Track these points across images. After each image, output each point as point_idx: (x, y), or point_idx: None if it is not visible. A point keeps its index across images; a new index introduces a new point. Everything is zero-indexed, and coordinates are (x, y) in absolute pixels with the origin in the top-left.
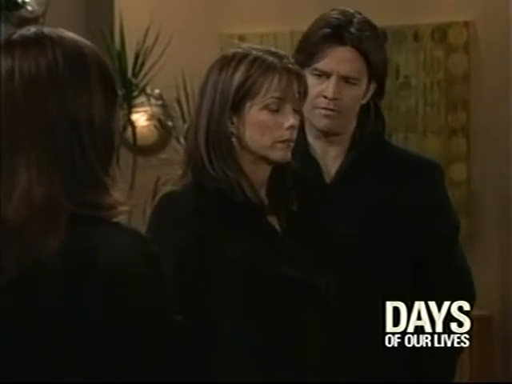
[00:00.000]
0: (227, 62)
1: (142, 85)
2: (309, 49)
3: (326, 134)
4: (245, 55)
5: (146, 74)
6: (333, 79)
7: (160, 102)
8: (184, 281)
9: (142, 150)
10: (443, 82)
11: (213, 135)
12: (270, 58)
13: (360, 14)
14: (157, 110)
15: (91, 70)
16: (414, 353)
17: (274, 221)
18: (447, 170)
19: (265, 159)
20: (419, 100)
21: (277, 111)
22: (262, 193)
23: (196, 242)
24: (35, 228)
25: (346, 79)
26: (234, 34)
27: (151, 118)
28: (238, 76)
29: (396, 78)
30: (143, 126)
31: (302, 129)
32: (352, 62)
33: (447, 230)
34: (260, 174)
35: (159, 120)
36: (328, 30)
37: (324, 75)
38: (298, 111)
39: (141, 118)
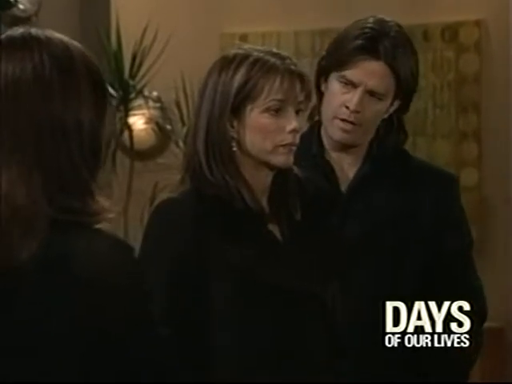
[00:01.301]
0: (227, 64)
1: (139, 86)
2: (340, 55)
3: (342, 145)
4: (246, 56)
5: (143, 76)
6: (359, 91)
7: (158, 105)
8: (181, 289)
9: (139, 155)
10: (453, 84)
11: (212, 139)
12: (272, 59)
13: (399, 26)
14: (155, 112)
15: (80, 74)
16: (418, 358)
17: (275, 229)
18: (457, 175)
19: (266, 164)
20: (428, 102)
21: (279, 114)
22: (264, 200)
23: (194, 251)
24: (12, 230)
25: (372, 93)
26: (236, 33)
27: (149, 121)
28: (239, 78)
29: None
30: (141, 130)
31: (318, 133)
32: (382, 78)
33: (461, 248)
34: (261, 180)
35: (157, 123)
36: (363, 42)
37: (350, 85)
38: (301, 113)
39: (138, 121)
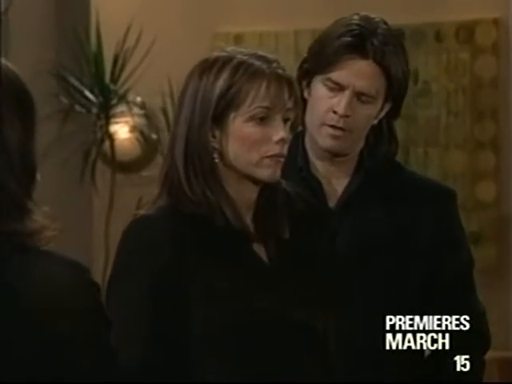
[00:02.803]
0: (208, 67)
1: (121, 91)
2: (324, 56)
3: (331, 155)
4: (228, 59)
5: (126, 80)
6: (347, 93)
7: (143, 112)
8: (156, 316)
9: (122, 166)
10: (469, 88)
11: (192, 150)
12: (257, 63)
13: (385, 23)
14: (139, 120)
15: (1, 90)
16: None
17: (260, 250)
18: (473, 188)
19: (251, 178)
20: (441, 109)
21: (265, 123)
22: (248, 217)
23: (170, 275)
24: None
25: (360, 96)
26: (230, 33)
27: (133, 129)
28: (221, 83)
29: (414, 83)
30: (124, 139)
31: (302, 144)
32: (371, 79)
33: (461, 269)
34: (246, 195)
35: (142, 132)
36: (349, 39)
37: (337, 87)
38: (289, 123)
39: (121, 130)
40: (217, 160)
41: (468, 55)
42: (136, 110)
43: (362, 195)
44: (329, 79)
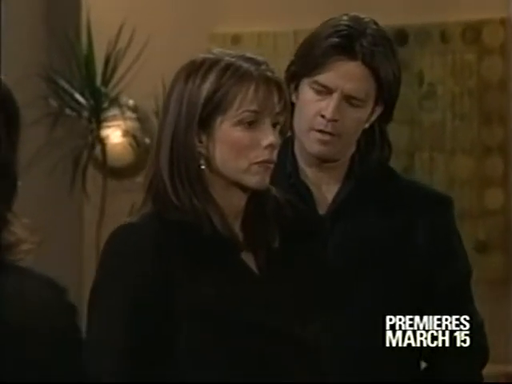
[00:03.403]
0: (195, 70)
1: (113, 94)
2: (311, 58)
3: (320, 161)
4: (215, 61)
5: (118, 82)
6: (335, 97)
7: (135, 115)
8: (140, 329)
9: (114, 172)
10: (476, 91)
11: (177, 156)
12: (245, 65)
13: (376, 23)
14: (132, 124)
15: None
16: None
17: (249, 259)
18: (480, 195)
19: (239, 185)
20: (447, 112)
21: (253, 127)
22: (237, 226)
23: (155, 286)
24: None
25: (350, 99)
26: (228, 33)
27: (125, 134)
28: (208, 86)
29: (419, 85)
30: (116, 144)
31: (291, 149)
32: (360, 81)
33: (459, 280)
34: (234, 203)
35: (134, 136)
36: (337, 40)
37: (325, 91)
38: (279, 127)
39: (113, 134)
40: (203, 166)
41: (475, 56)
42: (128, 113)
43: (352, 202)
44: (316, 82)
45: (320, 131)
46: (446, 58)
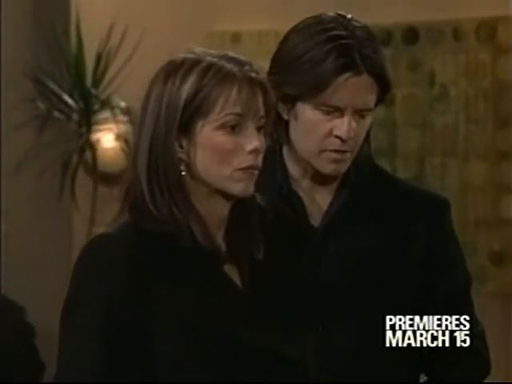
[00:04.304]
0: (175, 70)
1: (104, 96)
2: (313, 79)
3: (325, 176)
4: (196, 61)
5: (109, 83)
6: (347, 115)
7: (128, 118)
8: (115, 346)
9: (105, 178)
10: (490, 92)
11: (156, 162)
12: (228, 65)
13: (356, 20)
14: (124, 127)
15: None
16: None
17: (233, 272)
18: (495, 203)
19: (222, 192)
20: (460, 115)
21: (236, 131)
22: (219, 236)
23: (131, 300)
24: None
25: (360, 112)
26: (226, 31)
27: (117, 137)
28: (188, 87)
29: (430, 87)
30: (107, 149)
31: (280, 158)
32: (369, 92)
33: (459, 288)
34: (217, 212)
35: (127, 141)
36: (342, 60)
37: (334, 110)
38: (263, 131)
39: (104, 138)
40: (184, 173)
41: (489, 55)
42: (121, 116)
43: (348, 212)
44: (324, 104)
45: (335, 151)
46: (459, 58)
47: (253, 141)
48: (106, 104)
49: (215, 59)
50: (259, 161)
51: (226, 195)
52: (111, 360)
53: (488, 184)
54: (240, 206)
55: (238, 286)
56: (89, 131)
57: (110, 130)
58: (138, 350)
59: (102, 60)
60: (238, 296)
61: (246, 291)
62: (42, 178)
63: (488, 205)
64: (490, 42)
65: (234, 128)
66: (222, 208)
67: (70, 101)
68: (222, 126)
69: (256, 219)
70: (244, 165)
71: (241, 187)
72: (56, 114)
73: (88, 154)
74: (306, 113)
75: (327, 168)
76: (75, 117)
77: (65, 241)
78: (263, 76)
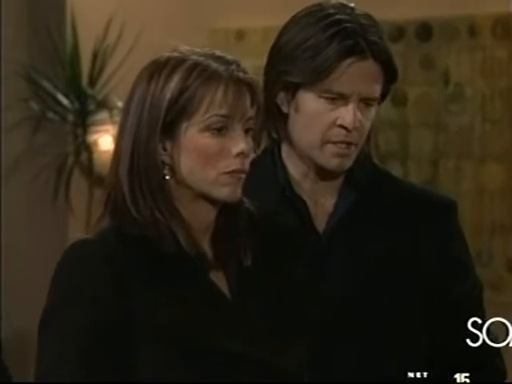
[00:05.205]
0: (158, 70)
1: (101, 96)
2: (316, 65)
3: (328, 174)
4: (181, 61)
5: (106, 82)
6: (352, 103)
7: None
8: (96, 356)
9: (101, 181)
10: (507, 92)
11: (138, 165)
12: (214, 65)
13: (358, 9)
14: None
15: None
16: None
17: (219, 280)
18: None
19: (207, 197)
20: (476, 116)
21: (222, 134)
22: (205, 242)
23: (111, 309)
24: None
25: (365, 101)
26: (230, 28)
27: (114, 139)
28: (172, 87)
29: (445, 86)
30: (104, 151)
31: (279, 160)
32: (375, 79)
33: (468, 295)
34: (202, 217)
35: None
36: (344, 41)
37: (339, 98)
38: (251, 133)
39: (101, 140)
40: (168, 177)
41: (507, 53)
42: (117, 117)
43: (353, 215)
44: (328, 91)
45: (340, 142)
46: (475, 55)
47: (240, 143)
48: (102, 104)
49: (201, 58)
50: (246, 164)
51: (211, 200)
52: (92, 368)
53: (505, 188)
54: (227, 211)
55: (224, 293)
56: (85, 133)
57: (106, 131)
58: (120, 359)
59: (99, 59)
60: (225, 304)
61: (233, 299)
62: (35, 181)
63: (505, 210)
64: (508, 38)
65: (220, 130)
66: (208, 213)
67: (65, 101)
68: (208, 128)
69: (244, 224)
70: (230, 168)
71: (227, 191)
72: (50, 114)
73: (83, 157)
74: (309, 102)
75: (331, 162)
76: (70, 118)
77: (59, 246)
78: (251, 76)
